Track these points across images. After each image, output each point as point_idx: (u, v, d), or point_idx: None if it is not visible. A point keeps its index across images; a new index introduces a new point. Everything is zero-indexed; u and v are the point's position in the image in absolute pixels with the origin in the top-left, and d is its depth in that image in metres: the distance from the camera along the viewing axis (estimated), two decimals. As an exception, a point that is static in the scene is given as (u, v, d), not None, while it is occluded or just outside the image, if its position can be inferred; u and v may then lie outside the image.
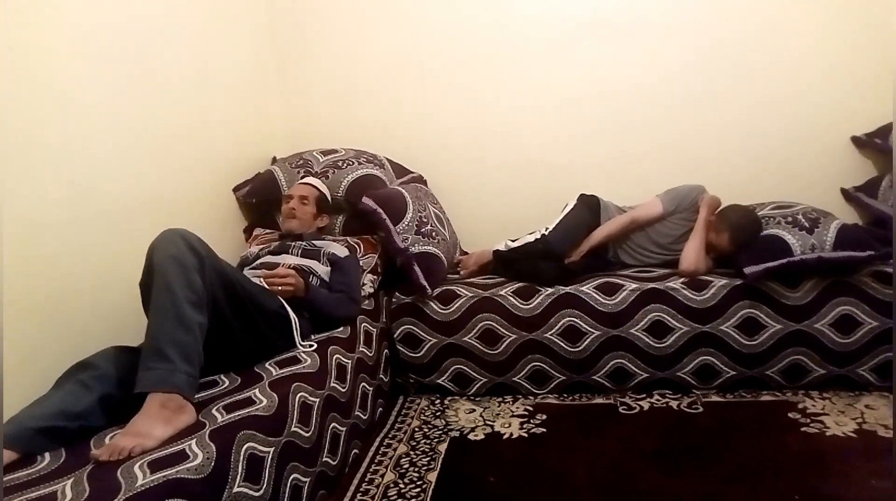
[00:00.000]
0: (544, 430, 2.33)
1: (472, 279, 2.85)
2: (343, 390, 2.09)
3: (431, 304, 2.66)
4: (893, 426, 2.16)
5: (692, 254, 2.62)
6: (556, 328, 2.58)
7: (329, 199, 2.80)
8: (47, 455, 1.46)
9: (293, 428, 1.71)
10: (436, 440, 2.30)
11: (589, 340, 2.57)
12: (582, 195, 2.89)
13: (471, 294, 2.66)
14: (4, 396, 1.54)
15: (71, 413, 1.53)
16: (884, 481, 1.84)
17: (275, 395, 1.71)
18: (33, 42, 1.86)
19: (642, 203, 2.83)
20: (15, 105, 1.78)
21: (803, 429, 2.20)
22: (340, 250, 2.52)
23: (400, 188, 2.90)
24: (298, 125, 3.50)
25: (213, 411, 1.60)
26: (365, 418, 2.30)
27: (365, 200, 2.68)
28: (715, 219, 2.67)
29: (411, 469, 2.10)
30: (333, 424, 1.98)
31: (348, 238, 2.83)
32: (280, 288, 2.10)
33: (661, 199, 2.78)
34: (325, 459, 1.89)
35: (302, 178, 2.94)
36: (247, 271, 2.33)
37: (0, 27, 1.74)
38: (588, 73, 3.26)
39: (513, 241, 2.85)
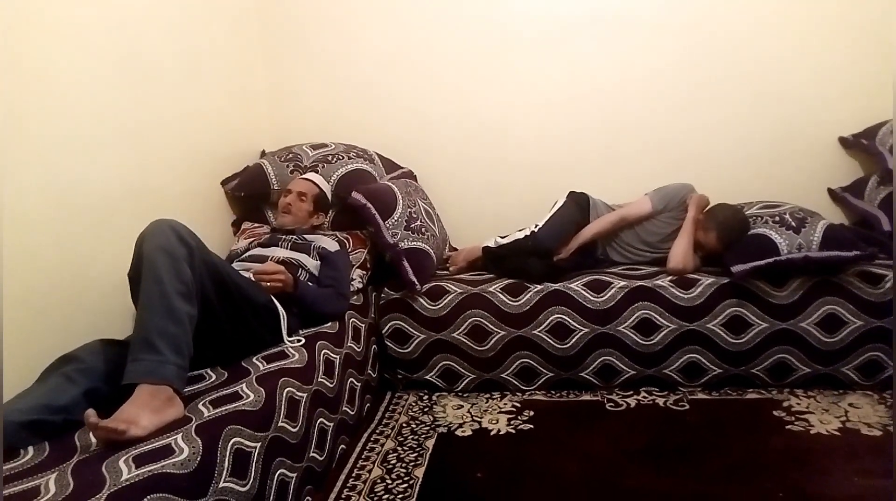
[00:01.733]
0: (532, 426, 2.33)
1: (461, 276, 2.85)
2: (331, 385, 2.08)
3: (420, 300, 2.66)
4: (894, 425, 2.18)
5: (680, 252, 2.64)
6: (545, 324, 2.59)
7: (329, 197, 2.79)
8: (31, 448, 1.44)
9: (280, 423, 1.70)
10: (423, 435, 2.30)
11: (577, 337, 2.58)
12: (571, 193, 2.89)
13: (460, 290, 2.66)
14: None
15: (55, 407, 1.51)
16: (867, 479, 1.86)
17: (262, 390, 1.70)
18: (18, 34, 1.83)
19: (632, 201, 2.84)
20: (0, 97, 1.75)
21: (788, 427, 2.22)
22: (331, 245, 2.51)
23: (390, 184, 2.89)
24: (287, 119, 3.47)
25: (200, 405, 1.58)
26: (352, 413, 2.29)
27: (354, 194, 2.67)
28: (703, 218, 2.68)
29: (398, 464, 2.10)
30: (321, 419, 1.97)
31: (337, 233, 2.82)
32: (269, 284, 2.09)
33: (650, 197, 2.78)
34: (312, 454, 1.88)
35: (291, 172, 2.93)
36: (236, 264, 2.31)
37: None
38: (578, 70, 3.26)
39: (502, 237, 2.85)
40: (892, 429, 2.14)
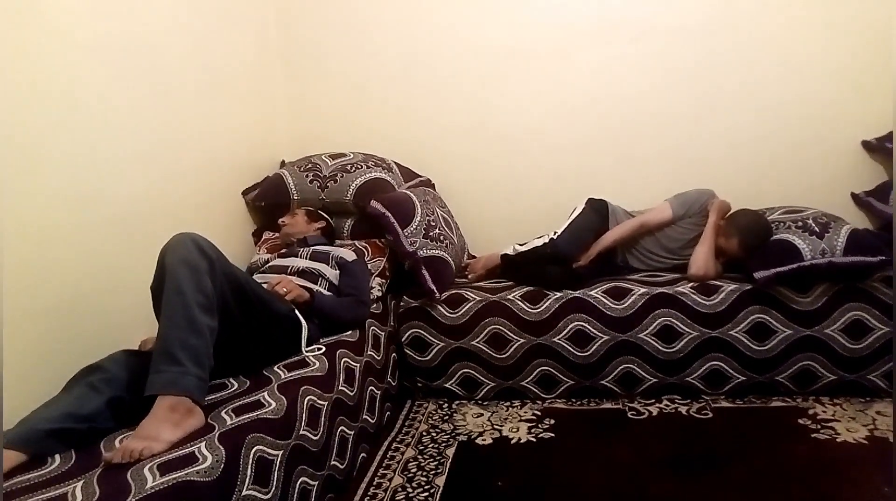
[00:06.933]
0: (553, 435, 2.32)
1: (480, 283, 2.85)
2: (351, 393, 2.09)
3: (439, 308, 2.66)
4: (893, 430, 2.14)
5: (701, 259, 2.61)
6: (565, 332, 2.57)
7: (319, 214, 2.85)
8: (57, 456, 1.46)
9: (302, 432, 1.71)
10: (444, 444, 2.30)
11: (597, 344, 2.56)
12: (590, 199, 2.88)
13: (479, 298, 2.66)
14: (14, 399, 1.55)
15: (80, 416, 1.54)
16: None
17: (283, 398, 1.71)
18: (41, 48, 1.87)
19: (652, 208, 2.82)
20: (25, 111, 1.79)
21: (814, 435, 2.19)
22: (348, 254, 2.53)
23: (408, 192, 2.91)
24: (307, 129, 3.50)
25: (223, 414, 1.60)
26: (373, 421, 2.30)
27: (373, 204, 2.68)
28: (724, 224, 2.66)
29: (419, 473, 2.10)
30: (342, 427, 1.98)
31: (356, 242, 2.84)
32: (286, 290, 2.10)
33: (670, 203, 2.76)
34: (333, 462, 1.89)
35: (311, 181, 2.98)
36: (256, 277, 2.34)
37: (8, 33, 1.75)
38: (597, 77, 3.25)
39: (521, 245, 2.84)
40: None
